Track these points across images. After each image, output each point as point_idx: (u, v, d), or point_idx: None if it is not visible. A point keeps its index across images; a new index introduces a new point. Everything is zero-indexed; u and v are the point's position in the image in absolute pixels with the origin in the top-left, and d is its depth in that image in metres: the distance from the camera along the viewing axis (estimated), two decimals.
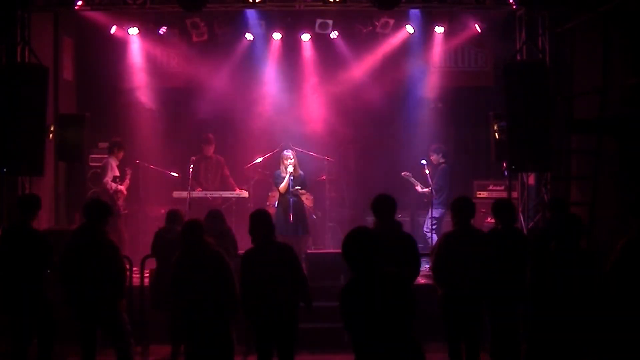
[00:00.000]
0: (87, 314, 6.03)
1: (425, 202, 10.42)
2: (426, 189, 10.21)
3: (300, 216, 9.53)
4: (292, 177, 9.41)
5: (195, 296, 5.53)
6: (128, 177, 10.05)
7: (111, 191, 9.76)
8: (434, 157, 10.39)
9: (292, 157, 9.54)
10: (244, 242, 8.92)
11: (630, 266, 5.40)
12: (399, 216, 9.95)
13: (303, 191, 9.75)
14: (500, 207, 6.46)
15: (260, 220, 5.77)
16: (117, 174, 9.92)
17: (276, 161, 10.18)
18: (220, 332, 5.58)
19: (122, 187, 9.89)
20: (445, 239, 6.18)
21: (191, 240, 5.64)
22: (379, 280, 4.12)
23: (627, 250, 5.46)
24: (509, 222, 6.38)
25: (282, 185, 9.48)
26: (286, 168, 9.45)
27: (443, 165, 10.33)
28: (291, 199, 9.41)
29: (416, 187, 10.36)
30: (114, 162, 9.97)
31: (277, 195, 10.16)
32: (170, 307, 6.02)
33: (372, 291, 4.09)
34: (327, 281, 8.45)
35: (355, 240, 4.20)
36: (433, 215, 10.05)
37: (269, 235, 5.74)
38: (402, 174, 10.41)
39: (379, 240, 5.92)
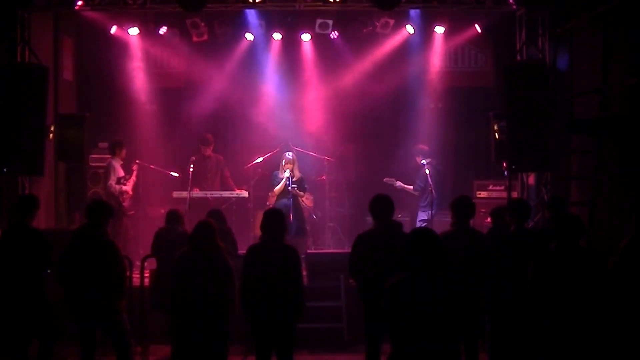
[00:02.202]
0: (87, 314, 6.03)
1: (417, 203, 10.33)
2: (409, 187, 10.13)
3: (297, 218, 9.53)
4: (289, 181, 9.45)
5: (195, 296, 5.52)
6: (134, 174, 10.05)
7: (116, 193, 9.76)
8: (418, 159, 10.17)
9: (291, 161, 9.56)
10: (244, 242, 8.97)
11: (633, 265, 5.39)
12: (398, 216, 9.96)
13: (302, 193, 9.75)
14: (518, 208, 6.36)
15: (274, 219, 5.78)
16: (122, 174, 9.92)
17: (276, 161, 10.20)
18: (215, 334, 5.57)
19: (126, 188, 9.88)
20: (442, 239, 6.14)
21: (204, 240, 5.64)
22: (433, 282, 4.16)
23: (630, 249, 5.46)
24: (523, 223, 6.32)
25: (277, 188, 9.55)
26: (284, 171, 9.49)
27: (426, 166, 10.21)
28: (285, 201, 9.44)
29: (396, 185, 10.21)
30: (116, 163, 9.96)
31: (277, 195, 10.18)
32: (170, 306, 6.00)
33: (424, 292, 4.15)
34: (327, 281, 8.46)
35: (423, 238, 4.27)
36: (421, 218, 9.98)
37: (279, 235, 5.74)
38: (384, 179, 10.27)
39: (379, 240, 6.04)
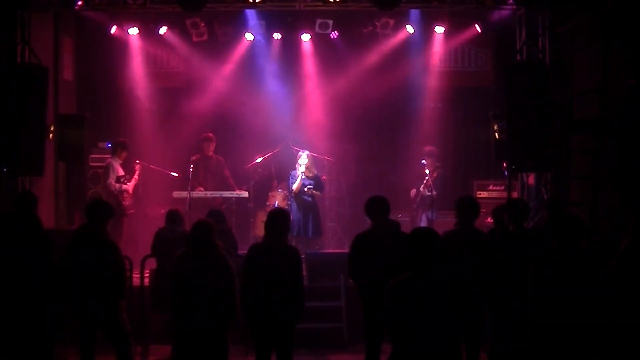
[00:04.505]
0: (87, 314, 6.03)
1: (418, 204, 10.30)
2: (428, 193, 10.11)
3: (312, 217, 9.56)
4: (304, 177, 9.54)
5: (195, 296, 5.51)
6: (137, 173, 10.04)
7: (116, 192, 9.75)
8: (427, 162, 10.13)
9: (305, 158, 9.67)
10: (244, 242, 8.98)
11: (633, 266, 5.38)
12: (398, 216, 9.96)
13: (317, 192, 9.78)
14: (516, 208, 6.32)
15: (279, 219, 5.78)
16: (121, 173, 9.92)
17: (276, 161, 10.21)
18: (215, 336, 5.56)
19: (126, 187, 9.88)
20: (445, 239, 6.15)
21: (201, 240, 5.61)
22: (435, 282, 4.15)
23: (630, 250, 5.45)
24: (522, 223, 6.32)
25: (295, 185, 9.58)
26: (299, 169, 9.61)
27: (440, 170, 10.21)
28: (304, 198, 9.49)
29: (420, 188, 10.21)
30: (116, 163, 9.96)
31: (277, 195, 10.20)
32: (170, 306, 6.01)
33: (425, 292, 4.13)
34: (327, 281, 8.46)
35: (424, 238, 4.24)
36: (428, 218, 9.96)
37: (281, 236, 5.75)
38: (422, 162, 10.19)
39: (377, 240, 6.05)
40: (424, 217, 10.06)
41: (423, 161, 10.10)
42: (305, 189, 9.57)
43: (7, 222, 6.33)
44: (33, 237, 6.31)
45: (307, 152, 9.81)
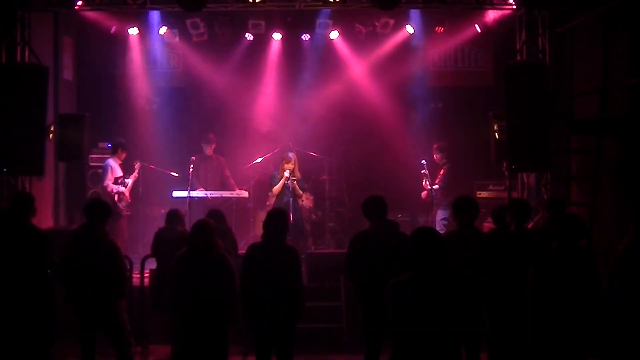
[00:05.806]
0: (88, 314, 6.03)
1: (425, 203, 10.32)
2: (429, 187, 10.11)
3: (296, 219, 9.48)
4: (288, 180, 9.43)
5: (195, 296, 5.52)
6: (136, 171, 10.04)
7: (112, 194, 9.75)
8: (437, 156, 10.21)
9: (292, 161, 9.54)
10: (244, 242, 8.98)
11: (632, 265, 5.39)
12: (398, 216, 9.96)
13: (300, 192, 9.69)
14: (518, 208, 6.31)
15: (278, 219, 5.79)
16: (119, 174, 9.91)
17: (277, 161, 10.20)
18: (215, 335, 5.56)
19: (123, 189, 9.87)
20: (446, 239, 6.14)
21: (201, 239, 5.61)
22: (435, 282, 4.14)
23: (629, 249, 5.46)
24: (523, 223, 6.31)
25: (276, 187, 9.53)
26: (283, 171, 9.47)
27: (447, 164, 10.23)
28: (284, 201, 9.42)
29: (424, 184, 10.21)
30: (115, 164, 9.95)
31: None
32: (170, 306, 6.01)
33: (426, 293, 4.12)
34: (327, 281, 8.46)
35: (425, 238, 4.23)
36: (443, 217, 9.86)
37: (280, 236, 5.74)
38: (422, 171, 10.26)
39: (376, 240, 6.04)
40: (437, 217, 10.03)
41: (423, 161, 10.09)
42: (288, 182, 9.40)
43: (3, 223, 6.34)
44: (32, 237, 6.32)
45: (292, 154, 9.63)
